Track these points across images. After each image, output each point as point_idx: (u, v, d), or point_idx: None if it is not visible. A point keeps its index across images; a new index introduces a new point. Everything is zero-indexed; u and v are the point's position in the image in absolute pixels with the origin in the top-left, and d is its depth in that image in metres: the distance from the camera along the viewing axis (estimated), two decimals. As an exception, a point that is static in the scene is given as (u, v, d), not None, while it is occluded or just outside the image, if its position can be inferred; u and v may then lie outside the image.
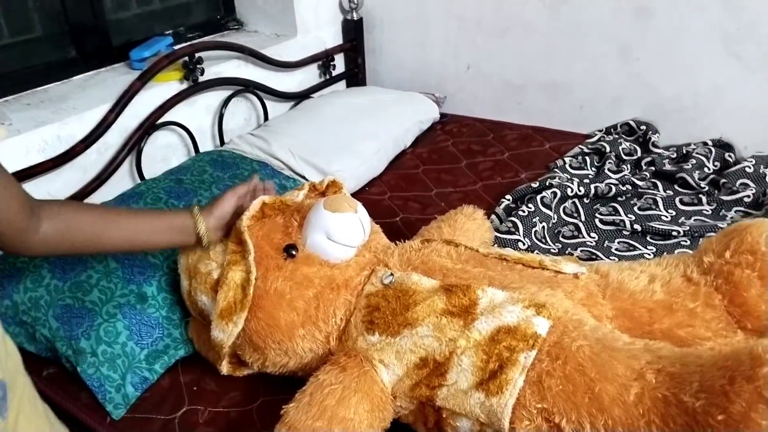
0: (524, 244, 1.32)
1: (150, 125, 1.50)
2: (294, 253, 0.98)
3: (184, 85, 1.59)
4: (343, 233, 0.97)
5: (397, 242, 1.07)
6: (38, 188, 1.30)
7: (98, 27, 1.60)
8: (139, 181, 1.49)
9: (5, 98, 1.44)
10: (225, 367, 1.03)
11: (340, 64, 2.11)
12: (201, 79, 1.61)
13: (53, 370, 1.10)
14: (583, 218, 1.46)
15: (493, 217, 1.45)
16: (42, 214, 0.84)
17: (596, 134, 1.79)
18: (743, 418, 0.64)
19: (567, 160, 1.67)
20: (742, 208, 1.45)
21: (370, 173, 1.65)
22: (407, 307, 0.91)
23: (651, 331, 0.91)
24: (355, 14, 2.05)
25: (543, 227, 1.41)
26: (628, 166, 1.64)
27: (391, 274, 0.97)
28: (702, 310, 0.91)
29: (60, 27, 1.54)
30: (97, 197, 1.41)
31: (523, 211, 1.41)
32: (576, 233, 1.42)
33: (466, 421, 0.84)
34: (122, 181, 1.48)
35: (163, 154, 1.57)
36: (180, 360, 1.10)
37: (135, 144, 1.47)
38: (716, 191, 1.51)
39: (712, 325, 0.90)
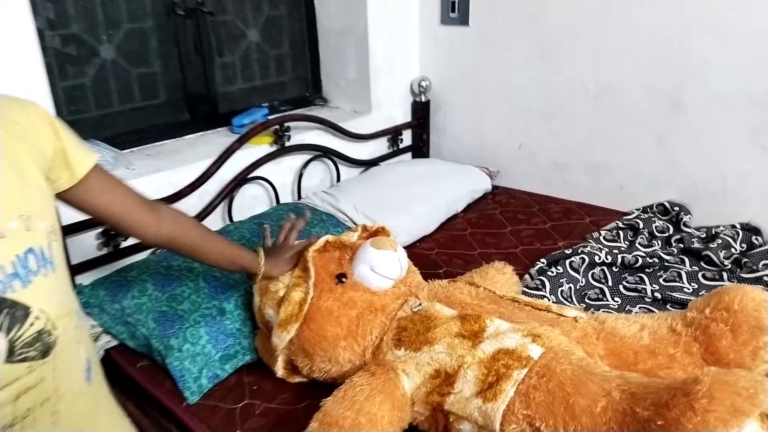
0: (549, 300, 1.50)
1: (242, 178, 1.81)
2: (344, 280, 1.22)
3: (274, 148, 1.91)
4: (383, 267, 1.20)
5: (429, 280, 1.29)
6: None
7: (209, 97, 1.98)
8: (228, 222, 1.79)
9: (132, 149, 1.80)
10: (280, 370, 1.26)
11: (407, 138, 2.40)
12: (287, 144, 1.93)
13: (145, 363, 1.36)
14: (609, 284, 1.62)
15: (526, 276, 1.64)
16: (162, 214, 1.06)
17: (633, 212, 1.95)
18: (675, 422, 0.79)
19: (603, 232, 1.84)
20: (761, 287, 1.56)
21: (422, 231, 1.88)
22: (428, 329, 1.12)
23: (635, 370, 1.06)
24: (423, 97, 2.36)
25: (570, 288, 1.58)
26: (659, 242, 1.79)
27: (420, 304, 1.18)
28: (681, 356, 1.06)
29: (179, 95, 1.92)
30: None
31: (552, 272, 1.59)
32: (601, 296, 1.58)
33: (467, 424, 1.02)
34: (215, 221, 1.79)
35: (251, 203, 1.88)
36: (246, 364, 1.34)
37: (229, 192, 1.79)
38: (738, 269, 1.63)
39: (688, 369, 1.05)
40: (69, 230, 1.43)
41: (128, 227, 1.02)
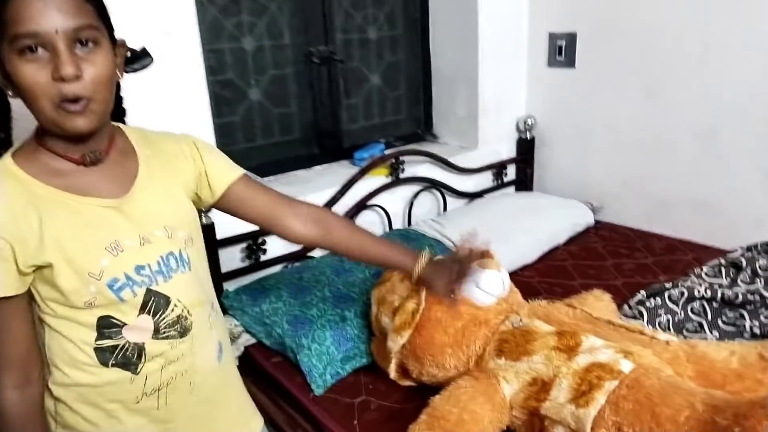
0: (646, 329, 1.57)
1: (362, 205, 2.04)
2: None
3: (389, 179, 2.12)
4: (488, 284, 1.36)
5: (529, 300, 1.43)
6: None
7: (336, 133, 2.24)
8: (348, 243, 2.02)
9: (269, 177, 2.08)
10: (392, 372, 1.43)
11: (511, 172, 2.55)
12: (401, 176, 2.14)
13: (278, 359, 1.59)
14: (708, 318, 1.66)
15: (625, 306, 1.71)
16: (306, 215, 1.14)
17: (737, 250, 1.96)
18: (751, 429, 0.88)
19: (705, 269, 1.86)
20: None
21: (523, 260, 2.00)
22: (528, 342, 1.25)
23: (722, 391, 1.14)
24: (528, 134, 2.50)
25: (668, 320, 1.64)
26: (762, 280, 1.80)
27: (521, 320, 1.32)
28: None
29: (310, 132, 2.19)
30: (317, 251, 1.94)
31: (650, 303, 1.66)
32: (699, 329, 1.62)
33: (561, 428, 1.14)
34: (336, 243, 2.02)
35: (367, 227, 2.04)
36: (363, 366, 1.53)
37: (350, 217, 2.01)
38: None
39: (776, 393, 1.11)
40: (220, 244, 1.71)
41: (275, 230, 1.14)
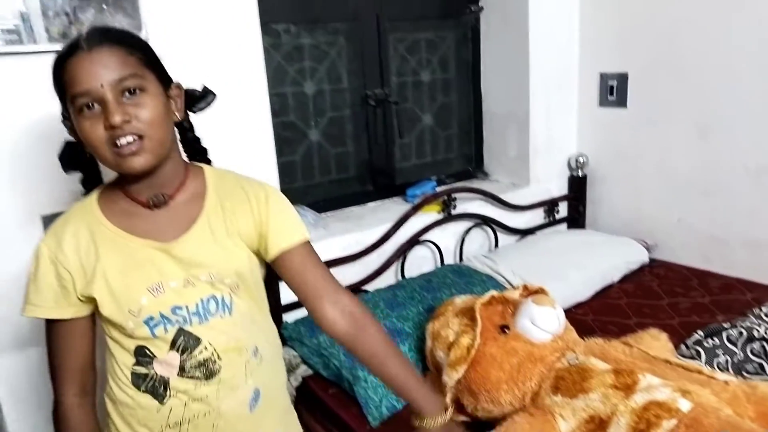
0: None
1: (414, 241, 2.09)
2: (507, 331, 1.41)
3: (441, 216, 2.18)
4: (544, 321, 1.38)
5: (585, 338, 1.44)
6: (337, 273, 1.92)
7: (389, 171, 2.32)
8: (401, 278, 2.07)
9: (326, 213, 2.16)
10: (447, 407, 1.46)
11: (563, 209, 2.56)
12: (453, 212, 2.19)
13: (335, 390, 1.63)
14: (770, 359, 1.63)
15: (682, 345, 1.70)
16: (344, 306, 1.03)
17: (800, 290, 1.92)
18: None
19: (764, 309, 1.83)
20: None
21: (577, 298, 2.01)
22: (584, 379, 1.26)
23: (788, 434, 1.12)
24: (580, 172, 2.51)
25: (726, 360, 1.61)
26: (828, 321, 1.75)
27: (577, 357, 1.34)
28: (838, 426, 1.10)
29: (365, 170, 2.27)
30: (371, 285, 2.00)
31: (708, 343, 1.64)
32: (759, 371, 1.59)
33: (618, 467, 1.14)
34: (389, 277, 2.07)
35: (419, 262, 2.14)
36: (417, 399, 1.56)
37: (402, 253, 2.07)
38: None
39: None
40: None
41: (310, 310, 1.06)
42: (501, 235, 2.35)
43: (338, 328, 1.04)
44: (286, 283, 1.06)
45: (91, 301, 0.95)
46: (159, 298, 0.95)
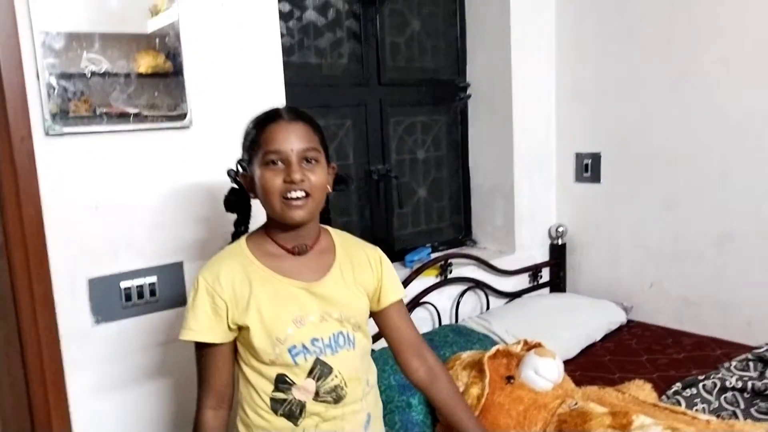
0: (685, 416, 1.72)
1: (415, 303, 2.26)
2: (512, 381, 1.57)
3: (438, 279, 2.36)
4: (546, 371, 1.55)
5: (582, 387, 1.61)
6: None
7: (388, 238, 2.50)
8: (403, 338, 2.22)
9: (331, 278, 2.32)
10: (460, 454, 1.59)
11: (546, 274, 2.77)
12: (449, 276, 2.38)
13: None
14: (742, 407, 1.81)
15: (663, 396, 1.87)
16: (425, 364, 1.30)
17: (763, 346, 2.12)
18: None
19: (734, 363, 2.03)
20: None
21: (565, 355, 2.17)
22: (585, 422, 1.43)
23: (764, 464, 1.29)
24: (560, 240, 2.75)
25: (704, 408, 1.78)
26: (790, 373, 1.96)
27: (576, 403, 1.50)
28: (804, 456, 1.28)
29: (367, 237, 2.44)
30: (377, 345, 2.13)
31: (686, 393, 1.82)
32: (734, 418, 1.77)
33: (620, 498, 1.29)
34: (392, 338, 2.22)
35: (419, 323, 2.23)
36: (429, 448, 1.69)
37: (404, 314, 2.23)
38: None
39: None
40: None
41: (396, 360, 1.34)
42: (491, 298, 2.53)
43: (418, 376, 1.31)
44: (384, 332, 1.32)
45: (239, 329, 1.11)
46: (301, 329, 1.12)
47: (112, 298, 1.58)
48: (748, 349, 2.14)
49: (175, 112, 1.63)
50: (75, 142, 1.50)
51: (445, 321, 2.39)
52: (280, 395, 1.13)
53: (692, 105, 2.28)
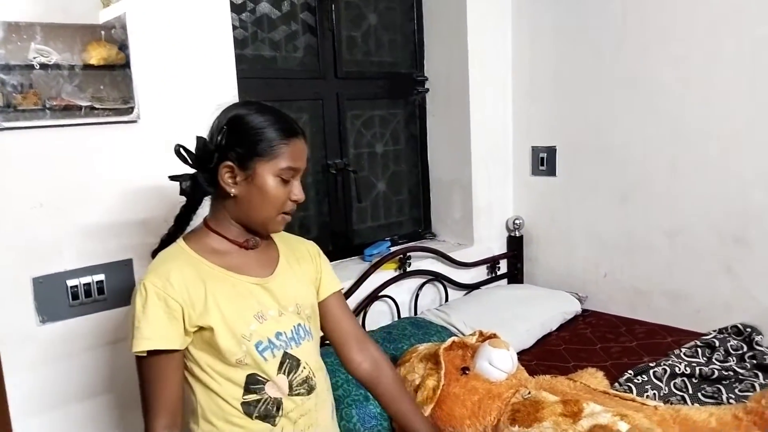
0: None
1: (373, 297, 2.26)
2: (467, 372, 1.59)
3: (397, 273, 2.36)
4: (500, 361, 1.57)
5: (534, 376, 1.63)
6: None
7: (347, 233, 2.50)
8: (362, 332, 2.21)
9: (289, 273, 2.31)
10: (416, 445, 1.60)
11: (503, 266, 2.81)
12: (408, 270, 2.39)
13: None
14: (690, 392, 1.87)
15: (615, 384, 1.92)
16: (368, 358, 1.30)
17: (711, 333, 2.20)
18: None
19: (683, 350, 2.09)
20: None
21: (521, 345, 2.21)
22: (537, 410, 1.45)
23: (706, 447, 1.34)
24: (517, 233, 2.79)
25: (654, 394, 1.84)
26: (734, 358, 2.03)
27: (529, 392, 1.52)
28: (743, 437, 1.33)
29: (326, 231, 2.45)
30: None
31: (638, 380, 1.87)
32: (682, 403, 1.82)
33: (571, 483, 1.32)
34: (351, 332, 2.21)
35: (378, 316, 2.30)
36: (387, 440, 1.69)
37: (363, 307, 2.23)
38: (810, 383, 1.84)
39: (750, 447, 1.31)
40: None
41: (338, 354, 1.34)
42: (450, 290, 2.55)
43: (362, 370, 1.31)
44: (324, 326, 1.30)
45: (196, 333, 1.07)
46: (264, 324, 1.10)
47: (58, 297, 1.54)
48: (696, 336, 2.21)
49: (122, 106, 1.59)
50: (18, 136, 1.45)
51: (404, 314, 2.39)
52: (252, 397, 1.10)
53: (644, 103, 2.33)
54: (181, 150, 1.13)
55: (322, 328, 1.31)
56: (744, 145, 2.10)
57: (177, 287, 1.05)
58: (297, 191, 1.12)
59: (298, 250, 1.26)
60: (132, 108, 1.60)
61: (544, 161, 2.67)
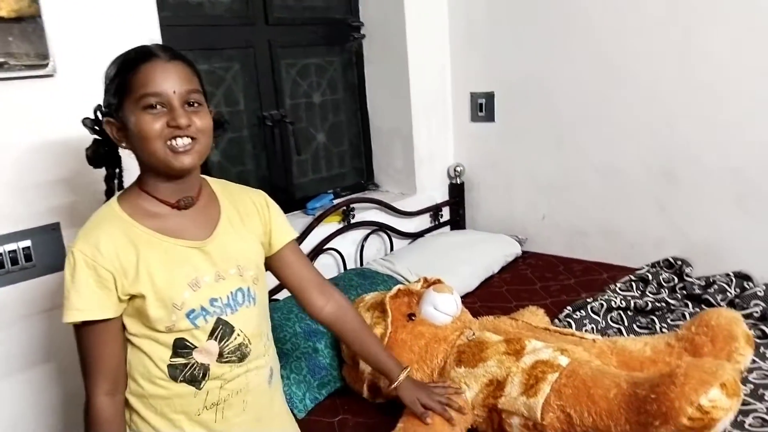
0: (575, 337, 1.84)
1: (319, 250, 2.24)
2: (413, 318, 1.60)
3: (341, 225, 2.35)
4: (444, 306, 1.59)
5: (478, 317, 1.67)
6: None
7: (288, 187, 2.45)
8: (308, 286, 2.20)
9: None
10: (365, 392, 1.62)
11: (446, 213, 2.83)
12: (352, 221, 2.37)
13: (258, 393, 1.74)
14: (625, 324, 1.96)
15: (555, 320, 1.99)
16: (330, 300, 1.30)
17: (644, 267, 2.30)
18: (663, 394, 1.15)
19: (618, 285, 2.19)
20: (752, 321, 1.88)
21: (466, 289, 2.26)
22: (482, 350, 1.49)
23: (640, 374, 1.41)
24: (458, 180, 2.80)
25: (592, 328, 1.92)
26: (666, 290, 2.14)
27: (473, 333, 1.56)
28: (675, 362, 1.41)
29: (265, 187, 2.35)
30: (281, 294, 2.11)
31: (576, 315, 1.94)
32: (618, 335, 1.92)
33: (516, 418, 1.36)
34: (297, 286, 2.20)
35: (324, 269, 2.22)
36: (337, 389, 1.70)
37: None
38: (732, 309, 1.96)
39: (681, 371, 1.39)
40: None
41: (300, 301, 1.31)
42: (395, 240, 2.56)
43: (326, 313, 1.30)
44: (282, 277, 1.27)
45: (132, 299, 1.01)
46: (198, 292, 1.04)
47: (-18, 267, 1.45)
48: (630, 271, 2.32)
49: (36, 60, 1.47)
50: None
51: (350, 266, 2.39)
52: (179, 360, 1.05)
53: (578, 48, 2.35)
54: (86, 121, 1.10)
55: (281, 279, 1.27)
56: (671, 81, 2.16)
57: (107, 255, 0.99)
58: (175, 115, 0.99)
59: (243, 203, 1.18)
60: (47, 61, 1.48)
61: (483, 107, 2.67)
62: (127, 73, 1.01)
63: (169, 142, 0.99)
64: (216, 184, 1.19)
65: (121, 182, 1.19)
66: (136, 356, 1.06)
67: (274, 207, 1.25)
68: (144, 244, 1.02)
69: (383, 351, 1.41)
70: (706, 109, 2.11)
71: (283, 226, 1.25)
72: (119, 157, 1.16)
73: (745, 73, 2.01)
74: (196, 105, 1.03)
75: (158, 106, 0.99)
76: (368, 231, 2.45)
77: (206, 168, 1.20)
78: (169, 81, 0.99)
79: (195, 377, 1.06)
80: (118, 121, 1.03)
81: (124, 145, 1.05)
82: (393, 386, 1.37)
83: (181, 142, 1.00)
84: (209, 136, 1.05)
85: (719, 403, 1.12)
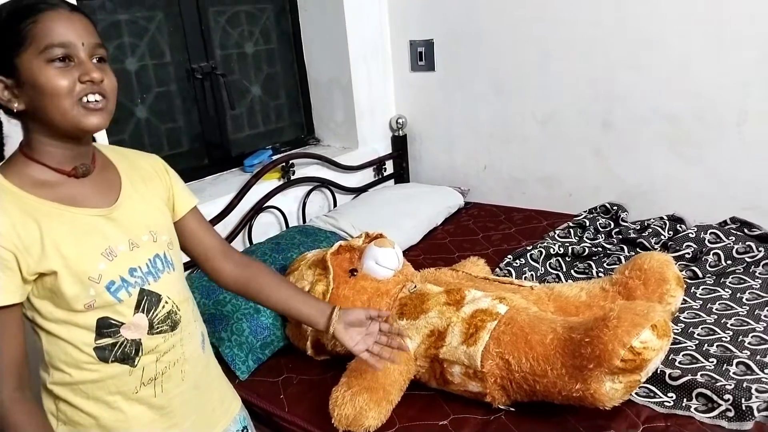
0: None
1: (258, 209, 2.18)
2: (355, 273, 1.59)
3: (281, 182, 2.28)
4: (386, 260, 1.58)
5: (420, 270, 1.67)
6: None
7: (223, 144, 2.36)
8: (249, 245, 2.15)
9: (164, 191, 2.16)
10: (309, 350, 1.61)
11: (389, 167, 2.80)
12: (292, 178, 2.31)
13: (200, 356, 1.70)
14: (564, 270, 2.01)
15: (496, 269, 2.02)
16: (236, 260, 1.21)
17: (581, 214, 2.35)
18: (596, 337, 1.17)
19: (557, 231, 2.23)
20: (684, 262, 1.96)
21: (409, 242, 2.26)
22: (423, 302, 1.49)
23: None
24: (400, 132, 2.77)
25: (532, 275, 1.96)
26: (603, 235, 2.19)
27: (415, 286, 1.56)
28: (608, 306, 1.44)
29: (199, 144, 2.29)
30: (221, 255, 2.06)
31: (516, 263, 1.97)
32: (557, 280, 1.96)
33: (457, 367, 1.38)
34: (237, 246, 2.12)
35: (265, 228, 2.24)
36: (281, 348, 1.69)
37: (248, 221, 2.15)
38: (666, 251, 2.03)
39: (614, 313, 1.43)
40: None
41: (207, 268, 1.22)
42: (338, 195, 2.52)
43: (233, 276, 1.21)
44: (185, 244, 1.17)
45: (40, 278, 0.92)
46: (114, 262, 0.95)
47: None
48: (569, 217, 2.36)
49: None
50: None
51: (293, 223, 2.35)
52: (107, 341, 0.98)
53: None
54: None
55: (184, 248, 1.19)
56: (609, 30, 2.16)
57: (4, 233, 0.88)
58: (87, 68, 0.90)
59: (142, 168, 1.09)
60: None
61: (423, 56, 2.62)
62: (21, 21, 0.89)
63: (81, 99, 0.90)
64: (107, 149, 1.09)
65: (2, 151, 1.04)
66: (54, 345, 0.97)
67: (173, 172, 1.16)
68: (45, 217, 0.93)
69: (305, 299, 1.28)
70: (643, 58, 2.12)
71: (185, 193, 1.16)
72: (0, 122, 1.02)
73: (680, 23, 2.02)
74: (103, 61, 0.94)
75: (65, 60, 0.90)
76: (310, 187, 2.40)
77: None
78: (76, 31, 0.90)
79: (127, 355, 1.00)
80: (11, 78, 0.91)
81: (16, 105, 0.92)
82: (330, 333, 1.23)
83: (93, 98, 0.91)
84: (116, 96, 0.97)
85: (650, 344, 1.16)
